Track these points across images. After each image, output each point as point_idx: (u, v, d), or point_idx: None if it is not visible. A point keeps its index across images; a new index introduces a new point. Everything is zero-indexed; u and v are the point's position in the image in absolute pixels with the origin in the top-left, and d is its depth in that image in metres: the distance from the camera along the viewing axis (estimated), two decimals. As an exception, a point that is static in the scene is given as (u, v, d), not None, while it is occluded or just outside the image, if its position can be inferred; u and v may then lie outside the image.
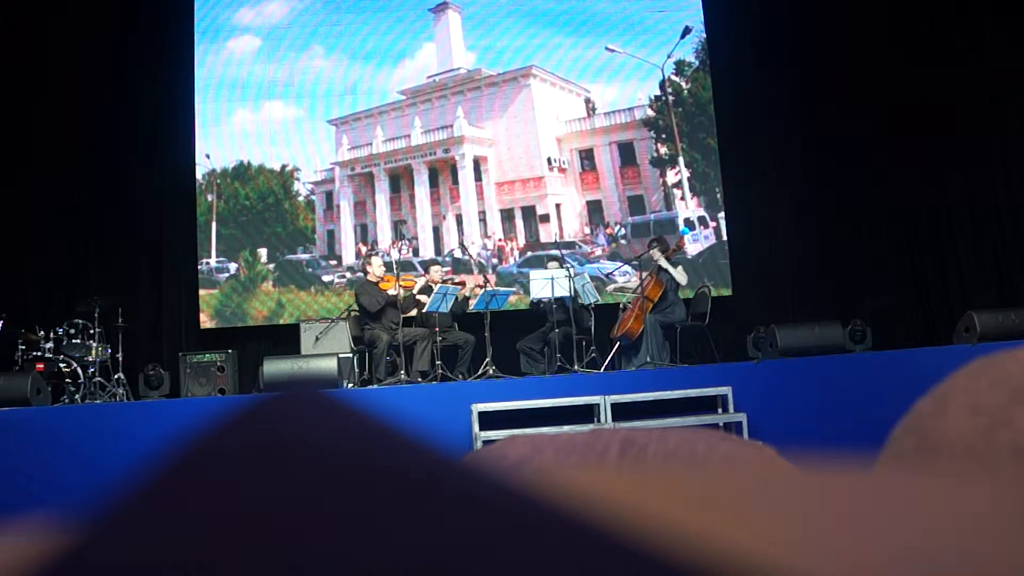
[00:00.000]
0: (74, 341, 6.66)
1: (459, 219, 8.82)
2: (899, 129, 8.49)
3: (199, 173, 8.72)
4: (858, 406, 5.20)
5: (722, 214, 8.73)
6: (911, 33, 8.61)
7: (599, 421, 5.30)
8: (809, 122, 8.61)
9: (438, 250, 8.76)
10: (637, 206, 8.83)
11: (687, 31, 9.06)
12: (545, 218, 8.79)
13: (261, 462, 0.16)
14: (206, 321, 8.49)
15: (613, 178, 8.89)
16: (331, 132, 8.99)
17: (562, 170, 8.89)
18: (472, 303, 7.06)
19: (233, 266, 8.65)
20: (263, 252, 8.72)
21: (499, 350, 6.56)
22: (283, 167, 8.90)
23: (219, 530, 0.15)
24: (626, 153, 8.95)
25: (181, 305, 8.45)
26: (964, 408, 0.32)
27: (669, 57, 9.04)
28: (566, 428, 4.96)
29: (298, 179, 8.90)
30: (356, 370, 6.64)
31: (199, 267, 8.57)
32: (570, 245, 8.68)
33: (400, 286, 6.84)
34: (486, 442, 4.95)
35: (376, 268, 7.05)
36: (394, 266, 7.27)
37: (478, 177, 8.86)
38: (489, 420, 5.26)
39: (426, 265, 8.13)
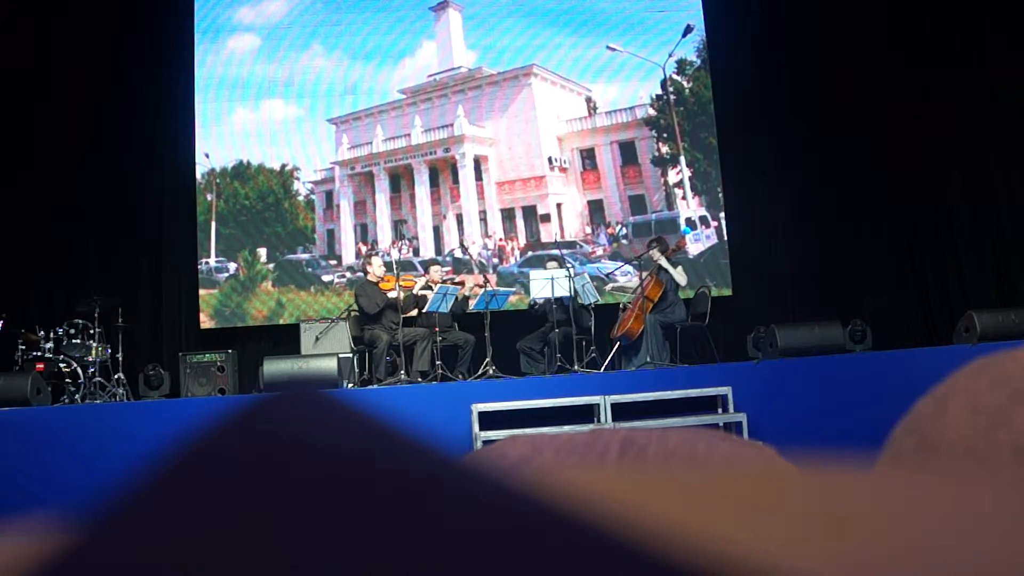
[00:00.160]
0: (74, 341, 6.66)
1: (459, 219, 8.81)
2: (899, 129, 8.49)
3: (198, 172, 8.72)
4: (858, 406, 5.20)
5: (722, 214, 8.73)
6: (911, 33, 8.61)
7: (599, 421, 5.30)
8: (809, 122, 8.61)
9: (438, 250, 8.75)
10: (638, 206, 8.83)
11: (689, 30, 9.05)
12: (546, 218, 8.79)
13: (261, 462, 0.16)
14: (206, 321, 8.49)
15: (614, 177, 8.89)
16: (331, 131, 8.99)
17: (563, 169, 8.89)
18: (472, 303, 7.06)
19: (232, 266, 8.65)
20: (263, 252, 8.71)
21: (499, 350, 6.56)
22: (283, 166, 8.89)
23: (219, 530, 0.15)
24: (627, 152, 8.94)
25: (181, 305, 8.45)
26: (964, 408, 0.32)
27: (671, 56, 9.04)
28: (566, 428, 4.96)
29: (298, 178, 8.90)
30: (356, 370, 6.64)
31: (198, 267, 8.57)
32: (571, 245, 8.68)
33: (400, 286, 6.84)
34: (486, 442, 4.95)
35: (376, 268, 7.04)
36: (394, 266, 7.26)
37: (479, 176, 8.85)
38: (489, 420, 5.26)
39: (426, 265, 8.12)
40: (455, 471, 0.17)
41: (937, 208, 8.52)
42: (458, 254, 8.67)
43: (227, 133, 8.85)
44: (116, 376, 6.67)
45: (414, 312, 7.00)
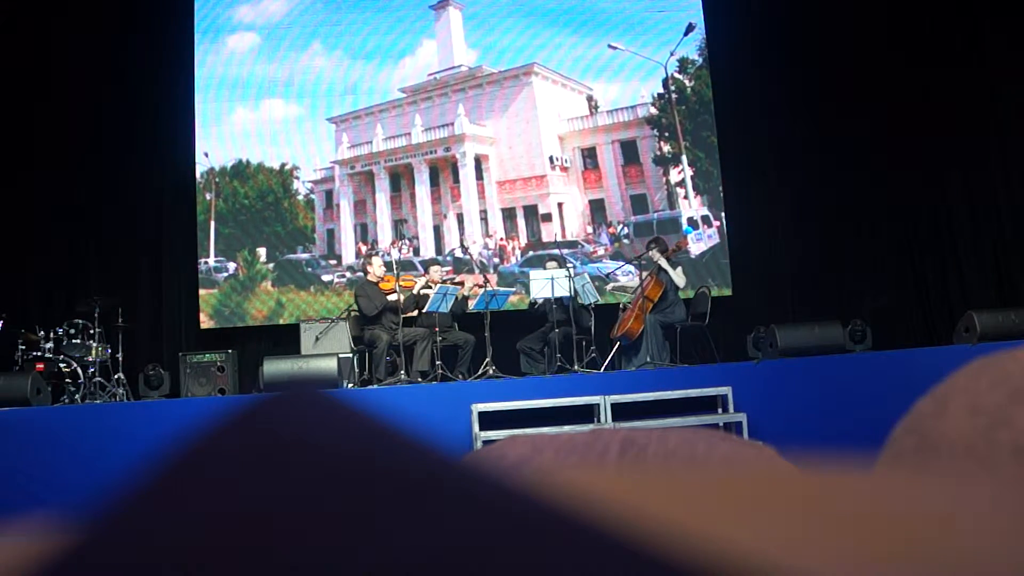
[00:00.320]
0: (74, 341, 6.66)
1: (460, 218, 8.81)
2: (899, 129, 8.49)
3: (197, 172, 8.71)
4: (858, 406, 5.20)
5: (723, 214, 8.72)
6: (911, 33, 8.61)
7: (599, 421, 5.30)
8: (809, 122, 8.61)
9: (439, 249, 8.75)
10: (640, 205, 8.82)
11: (691, 28, 9.04)
12: (547, 217, 8.78)
13: (261, 462, 0.16)
14: (205, 321, 8.49)
15: (615, 177, 8.89)
16: (331, 130, 8.98)
17: (564, 169, 8.89)
18: (472, 303, 7.06)
19: (232, 265, 8.64)
20: (262, 251, 8.71)
21: (499, 350, 6.56)
22: (282, 166, 8.88)
23: (219, 530, 0.15)
24: (629, 151, 8.94)
25: (181, 305, 8.45)
26: (964, 408, 0.32)
27: (672, 55, 9.03)
28: (566, 428, 4.96)
29: (297, 178, 8.89)
30: (356, 370, 6.64)
31: (198, 267, 8.57)
32: (572, 244, 8.68)
33: (400, 286, 6.83)
34: (486, 442, 4.96)
35: (376, 268, 7.04)
36: (394, 266, 7.26)
37: (479, 176, 8.85)
38: (489, 420, 5.26)
39: (427, 265, 8.12)
40: (455, 471, 0.17)
41: (937, 208, 8.52)
42: (459, 254, 8.67)
43: (227, 133, 8.84)
44: (116, 376, 6.67)
45: (414, 312, 7.00)
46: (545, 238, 8.67)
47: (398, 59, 9.07)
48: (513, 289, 7.98)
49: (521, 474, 0.18)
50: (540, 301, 6.93)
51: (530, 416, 5.26)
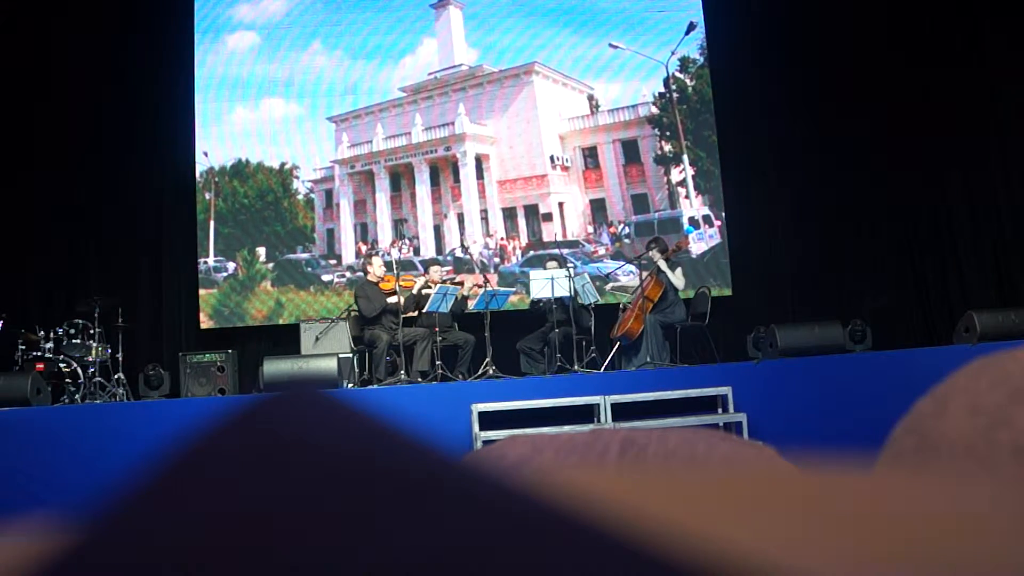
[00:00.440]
0: (74, 341, 6.66)
1: (460, 218, 8.80)
2: (899, 129, 8.49)
3: (197, 171, 8.71)
4: (858, 406, 5.20)
5: (723, 213, 8.72)
6: (911, 33, 8.61)
7: (599, 421, 5.30)
8: (809, 122, 8.61)
9: (439, 249, 8.74)
10: (641, 204, 8.82)
11: (692, 27, 9.04)
12: (548, 217, 8.77)
13: (261, 462, 0.16)
14: (205, 321, 8.49)
15: (616, 176, 8.88)
16: (331, 130, 8.98)
17: (565, 168, 8.88)
18: (471, 303, 7.06)
19: (231, 265, 8.64)
20: (262, 251, 8.70)
21: (499, 350, 6.56)
22: (282, 165, 8.88)
23: (219, 530, 0.15)
24: (630, 151, 8.93)
25: (181, 305, 8.45)
26: (964, 408, 0.32)
27: (673, 54, 9.03)
28: (566, 428, 4.96)
29: (297, 177, 8.89)
30: (356, 370, 6.64)
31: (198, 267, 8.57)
32: (573, 244, 8.67)
33: (400, 286, 6.83)
34: (486, 442, 4.96)
35: (376, 268, 7.04)
36: (394, 266, 7.25)
37: (480, 175, 8.84)
38: (489, 420, 5.26)
39: (427, 264, 8.12)
40: (455, 471, 0.17)
41: (937, 208, 8.52)
42: (459, 254, 8.66)
43: (227, 132, 8.84)
44: (116, 376, 6.67)
45: (414, 312, 6.99)
46: (546, 238, 8.67)
47: (398, 58, 9.07)
48: (513, 289, 7.98)
49: (521, 474, 0.18)
50: (544, 300, 6.92)
51: (530, 416, 5.26)
